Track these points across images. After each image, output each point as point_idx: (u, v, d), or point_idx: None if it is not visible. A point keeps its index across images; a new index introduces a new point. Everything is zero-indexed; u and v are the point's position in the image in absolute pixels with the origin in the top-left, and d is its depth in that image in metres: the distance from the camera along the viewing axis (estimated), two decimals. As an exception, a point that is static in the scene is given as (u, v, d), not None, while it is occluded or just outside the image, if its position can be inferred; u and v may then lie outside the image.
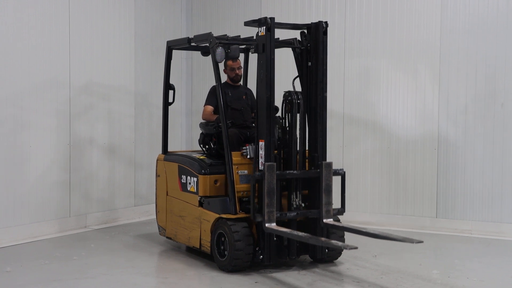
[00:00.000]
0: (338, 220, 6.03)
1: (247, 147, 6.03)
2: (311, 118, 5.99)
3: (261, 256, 5.67)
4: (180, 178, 6.57)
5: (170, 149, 7.19)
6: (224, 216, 5.82)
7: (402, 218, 8.17)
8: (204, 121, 6.75)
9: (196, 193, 6.25)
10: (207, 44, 6.66)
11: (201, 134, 6.72)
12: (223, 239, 5.83)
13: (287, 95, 5.95)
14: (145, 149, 9.19)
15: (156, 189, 7.17)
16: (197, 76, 10.12)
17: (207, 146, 6.64)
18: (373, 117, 8.34)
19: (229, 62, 6.72)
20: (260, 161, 5.74)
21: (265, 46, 5.67)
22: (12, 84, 7.27)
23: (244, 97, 6.84)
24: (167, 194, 6.88)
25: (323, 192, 5.83)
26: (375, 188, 8.34)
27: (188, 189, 6.41)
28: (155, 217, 8.53)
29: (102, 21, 8.51)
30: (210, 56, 7.08)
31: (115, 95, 8.70)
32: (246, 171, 6.02)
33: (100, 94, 8.46)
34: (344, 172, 6.11)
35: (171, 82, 7.10)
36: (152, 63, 9.32)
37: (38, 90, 7.56)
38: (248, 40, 6.48)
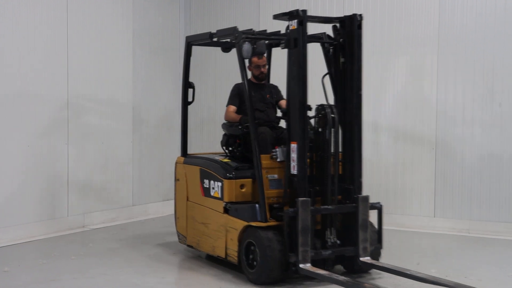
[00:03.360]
0: (376, 258, 5.63)
1: (277, 149, 5.62)
2: (345, 133, 5.55)
3: (294, 268, 5.25)
4: (203, 182, 6.15)
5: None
6: (253, 224, 5.41)
7: (400, 217, 8.09)
8: (226, 122, 6.36)
9: (221, 198, 5.83)
10: (228, 40, 6.31)
11: (224, 135, 6.30)
12: (252, 248, 5.41)
13: (320, 108, 5.50)
14: (143, 147, 9.17)
15: (175, 194, 6.75)
16: (194, 77, 9.66)
17: (230, 148, 6.23)
18: (368, 117, 7.97)
19: (254, 59, 6.31)
20: (292, 165, 5.33)
21: (297, 41, 5.25)
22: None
23: (268, 96, 6.44)
24: (187, 200, 6.46)
25: (359, 228, 5.41)
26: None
27: (212, 194, 6.00)
28: (152, 217, 8.67)
29: (100, 19, 8.41)
30: (228, 52, 6.82)
31: (113, 94, 8.67)
32: (276, 175, 5.61)
33: (97, 91, 8.38)
34: (381, 206, 5.67)
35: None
36: (151, 61, 9.29)
37: (38, 80, 7.55)
38: (275, 34, 6.07)
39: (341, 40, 5.66)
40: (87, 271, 5.93)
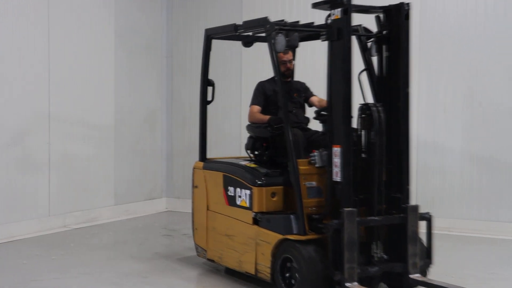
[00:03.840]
0: (424, 274, 5.04)
1: (315, 153, 5.03)
2: (390, 135, 4.93)
3: (339, 287, 4.65)
4: (227, 190, 5.56)
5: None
6: (291, 237, 4.81)
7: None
8: (251, 123, 5.78)
9: (250, 208, 5.24)
10: (250, 33, 5.75)
11: (250, 138, 5.71)
12: (289, 265, 4.82)
13: (365, 108, 4.89)
14: (124, 146, 9.13)
15: (192, 202, 6.15)
16: (177, 76, 9.88)
17: (256, 152, 5.64)
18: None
19: (280, 54, 5.73)
20: (335, 171, 4.74)
21: (341, 32, 4.67)
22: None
23: (295, 94, 5.87)
24: (207, 209, 5.86)
25: (408, 242, 4.84)
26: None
27: (238, 203, 5.40)
28: (135, 216, 8.63)
29: (82, 18, 8.40)
30: (249, 47, 6.27)
31: (95, 93, 8.62)
32: (314, 183, 5.02)
33: (79, 91, 8.33)
34: (431, 216, 5.09)
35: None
36: (133, 60, 9.26)
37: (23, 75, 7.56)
38: (309, 26, 5.50)
39: (384, 32, 5.10)
40: (68, 270, 5.90)
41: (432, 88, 7.97)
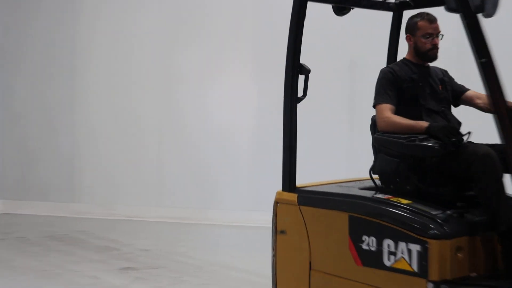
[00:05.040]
0: None
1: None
2: None
3: None
4: (357, 240, 3.42)
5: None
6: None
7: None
8: (384, 132, 3.67)
9: (419, 274, 3.14)
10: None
11: (392, 160, 3.58)
12: None
13: None
14: None
15: (273, 256, 3.94)
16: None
17: (405, 180, 3.53)
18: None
19: (423, 24, 3.74)
20: None
21: None
22: None
23: (440, 86, 3.84)
24: (311, 269, 3.69)
25: None
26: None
27: (389, 264, 3.28)
28: None
29: None
30: (342, 16, 4.20)
31: None
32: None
33: None
34: None
35: None
36: None
37: None
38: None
39: None
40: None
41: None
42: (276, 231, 3.91)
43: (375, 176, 3.75)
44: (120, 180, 8.92)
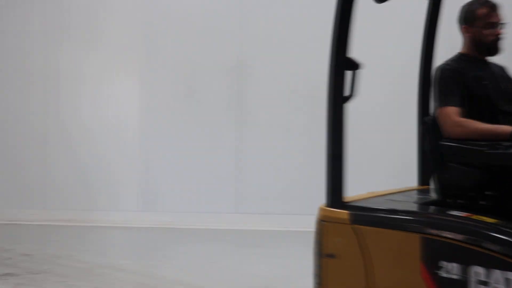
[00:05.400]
0: None
1: None
2: None
3: None
4: (433, 267, 2.88)
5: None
6: None
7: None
8: (453, 140, 3.14)
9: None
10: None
11: (467, 170, 3.05)
12: None
13: None
14: None
15: (320, 284, 3.35)
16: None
17: (482, 194, 3.01)
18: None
19: (485, 12, 3.25)
20: None
21: None
22: None
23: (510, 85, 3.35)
24: (370, 298, 3.13)
25: None
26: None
27: (480, 296, 2.76)
28: None
29: None
30: (382, 3, 3.65)
31: None
32: None
33: None
34: None
35: None
36: None
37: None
38: None
39: None
40: None
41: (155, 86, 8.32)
42: (322, 254, 3.32)
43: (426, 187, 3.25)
44: (0, 182, 8.62)
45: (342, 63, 3.27)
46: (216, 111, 8.15)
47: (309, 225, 7.77)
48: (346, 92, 3.29)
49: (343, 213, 3.24)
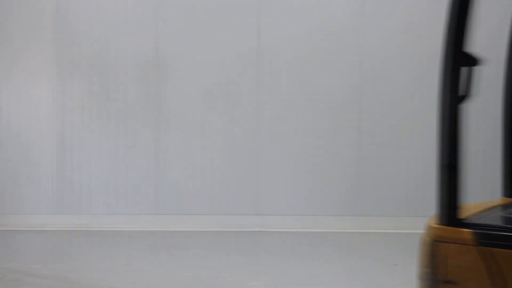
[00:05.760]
0: None
1: None
2: None
3: None
4: None
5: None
6: None
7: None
8: None
9: None
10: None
11: None
12: None
13: None
14: None
15: (434, 313, 2.89)
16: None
17: None
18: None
19: None
20: None
21: None
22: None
23: None
24: (504, 334, 2.68)
25: None
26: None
27: None
28: None
29: None
30: None
31: None
32: None
33: None
34: None
35: None
36: None
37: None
38: None
39: None
40: None
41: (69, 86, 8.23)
42: (437, 280, 2.85)
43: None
44: None
45: (458, 59, 2.82)
46: (134, 111, 8.17)
47: (227, 225, 7.85)
48: (461, 92, 2.85)
49: (465, 232, 2.78)
